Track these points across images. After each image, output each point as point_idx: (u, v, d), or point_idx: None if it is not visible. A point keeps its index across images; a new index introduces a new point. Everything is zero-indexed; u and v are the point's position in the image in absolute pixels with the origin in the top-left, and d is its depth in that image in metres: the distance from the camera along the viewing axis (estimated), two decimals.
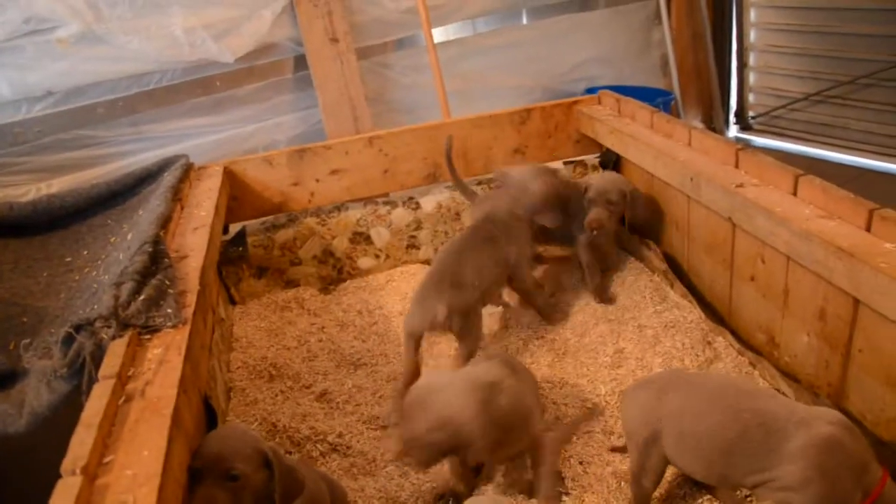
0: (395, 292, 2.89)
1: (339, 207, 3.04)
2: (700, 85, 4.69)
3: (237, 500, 1.38)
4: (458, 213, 3.09)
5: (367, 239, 3.07)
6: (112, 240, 2.46)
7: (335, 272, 3.04)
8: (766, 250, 2.16)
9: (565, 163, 3.19)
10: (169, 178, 2.58)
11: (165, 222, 2.19)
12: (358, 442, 2.08)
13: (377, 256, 3.08)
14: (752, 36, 4.78)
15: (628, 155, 2.79)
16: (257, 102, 3.38)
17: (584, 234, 2.63)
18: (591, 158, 3.17)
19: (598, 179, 2.67)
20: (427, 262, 3.06)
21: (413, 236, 3.10)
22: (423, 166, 3.03)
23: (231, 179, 2.84)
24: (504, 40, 3.95)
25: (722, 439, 1.57)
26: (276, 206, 2.96)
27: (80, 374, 1.63)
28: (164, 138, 3.19)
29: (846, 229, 1.85)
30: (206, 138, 3.28)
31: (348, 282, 3.03)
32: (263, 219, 2.98)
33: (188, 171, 2.70)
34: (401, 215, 3.07)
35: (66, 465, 1.21)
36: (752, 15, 4.71)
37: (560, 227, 2.62)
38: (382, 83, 3.68)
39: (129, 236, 2.32)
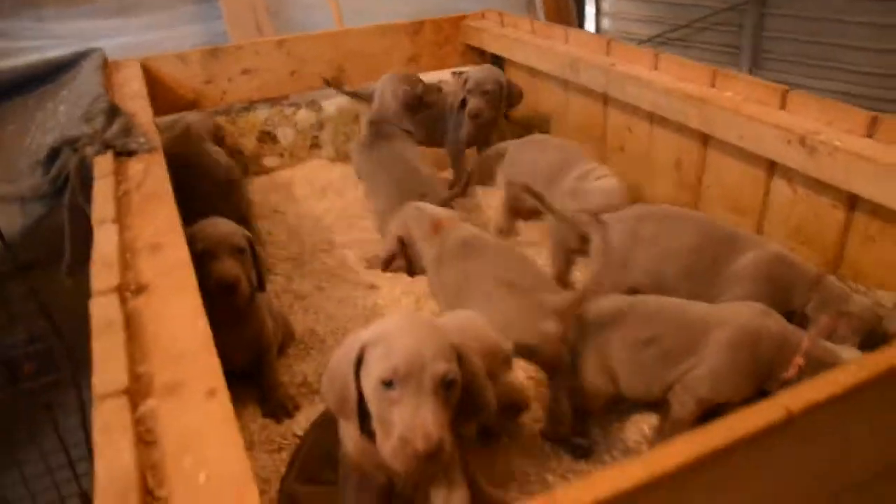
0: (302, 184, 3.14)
1: (247, 108, 3.23)
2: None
3: (244, 269, 1.70)
4: (356, 115, 3.36)
5: (274, 138, 3.28)
6: (38, 115, 2.55)
7: (241, 167, 3.24)
8: (633, 121, 2.61)
9: (453, 73, 3.54)
10: (89, 65, 2.69)
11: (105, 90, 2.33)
12: None
13: (281, 155, 3.30)
14: None
15: (514, 56, 3.17)
16: (164, 10, 3.49)
17: (464, 128, 2.91)
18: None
19: (475, 72, 2.92)
20: (330, 159, 3.31)
21: (316, 136, 3.35)
22: (328, 69, 3.27)
23: (146, 76, 2.97)
24: None
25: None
26: (189, 103, 3.11)
27: (61, 194, 1.80)
28: (70, 38, 3.24)
29: (697, 87, 2.32)
30: (113, 41, 3.35)
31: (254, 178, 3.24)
32: (176, 115, 3.12)
33: (105, 64, 2.81)
34: (305, 116, 3.31)
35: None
36: None
37: (430, 130, 2.96)
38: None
39: (61, 108, 2.44)
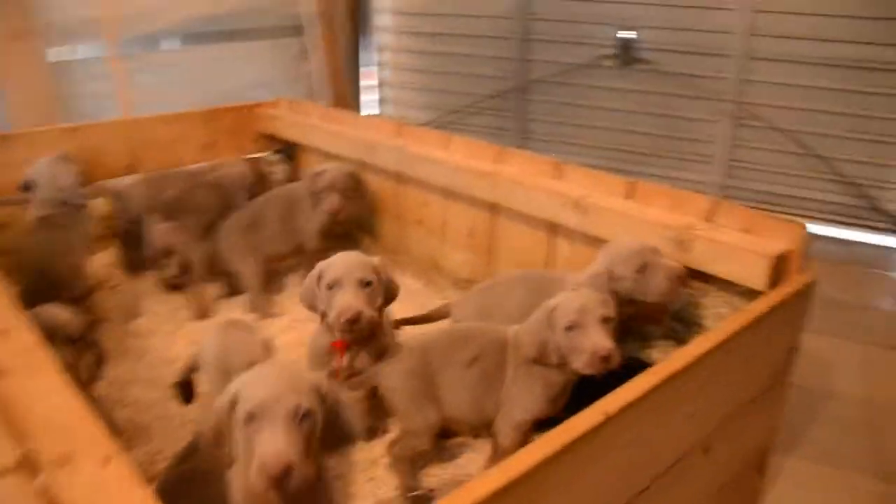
0: None
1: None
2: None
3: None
4: None
5: None
6: None
7: None
8: (429, 196, 2.87)
9: (245, 159, 3.63)
10: None
11: None
12: None
13: None
14: (388, 74, 5.76)
15: (308, 142, 3.34)
16: None
17: (314, 223, 2.91)
18: (269, 154, 3.65)
19: (331, 169, 2.87)
20: None
21: None
22: (122, 158, 3.22)
23: None
24: (173, 60, 4.32)
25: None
26: None
27: None
28: None
29: (483, 163, 2.62)
30: None
31: None
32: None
33: None
34: None
35: None
36: (387, 56, 5.70)
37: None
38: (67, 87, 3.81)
39: None
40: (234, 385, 1.31)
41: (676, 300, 2.00)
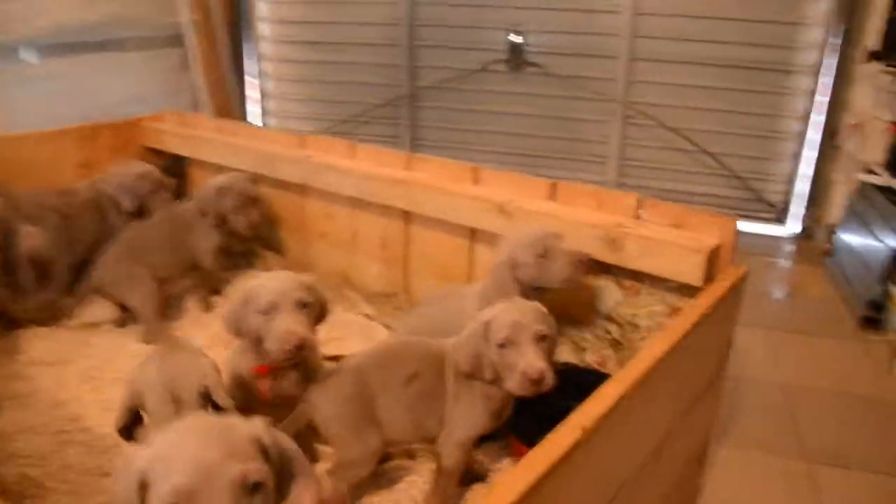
0: None
1: None
2: None
3: None
4: None
5: None
6: None
7: None
8: (333, 208, 2.74)
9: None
10: None
11: None
12: None
13: None
14: (270, 86, 5.56)
15: (200, 155, 3.13)
16: None
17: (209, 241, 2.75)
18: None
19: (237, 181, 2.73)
20: None
21: None
22: None
23: None
24: (36, 73, 3.98)
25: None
26: None
27: None
28: None
29: (396, 171, 2.52)
30: None
31: None
32: None
33: None
34: None
35: None
36: (267, 66, 5.49)
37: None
38: None
39: None
40: (137, 462, 0.97)
41: (579, 286, 1.99)
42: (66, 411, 2.10)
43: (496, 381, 1.61)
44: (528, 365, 1.52)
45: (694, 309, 1.57)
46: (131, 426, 1.50)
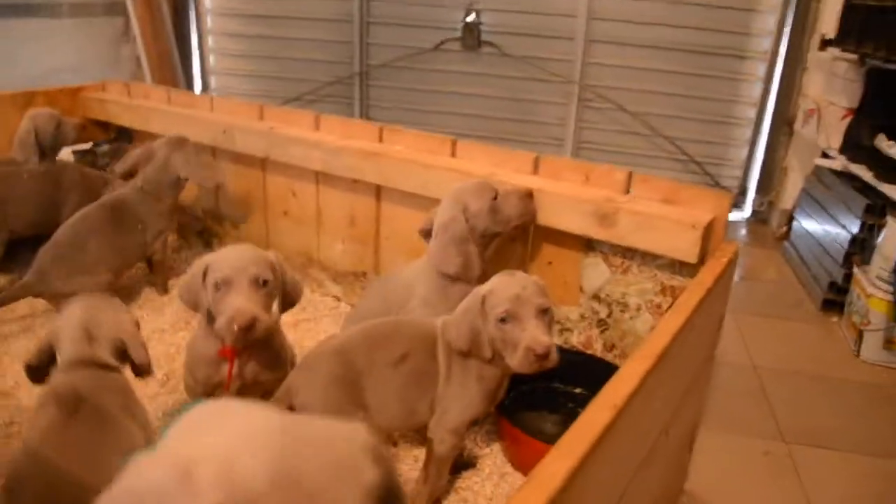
0: None
1: None
2: None
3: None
4: None
5: None
6: None
7: None
8: (297, 184, 2.60)
9: (74, 152, 3.16)
10: None
11: None
12: None
13: None
14: (212, 61, 5.32)
15: (149, 127, 2.93)
16: None
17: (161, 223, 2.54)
18: (98, 144, 3.20)
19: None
20: None
21: None
22: None
23: None
24: None
25: None
26: None
27: None
28: None
29: (367, 143, 2.39)
30: None
31: None
32: None
33: None
34: None
35: None
36: (210, 41, 5.26)
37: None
38: None
39: None
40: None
41: (533, 220, 1.97)
42: (10, 402, 1.94)
43: (495, 358, 1.52)
44: (532, 340, 1.43)
45: (699, 285, 1.51)
46: (45, 368, 1.49)
